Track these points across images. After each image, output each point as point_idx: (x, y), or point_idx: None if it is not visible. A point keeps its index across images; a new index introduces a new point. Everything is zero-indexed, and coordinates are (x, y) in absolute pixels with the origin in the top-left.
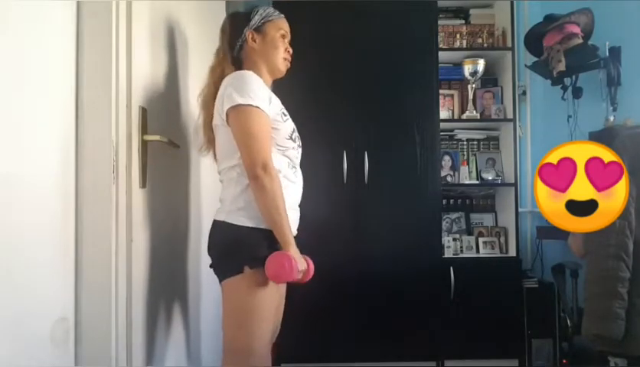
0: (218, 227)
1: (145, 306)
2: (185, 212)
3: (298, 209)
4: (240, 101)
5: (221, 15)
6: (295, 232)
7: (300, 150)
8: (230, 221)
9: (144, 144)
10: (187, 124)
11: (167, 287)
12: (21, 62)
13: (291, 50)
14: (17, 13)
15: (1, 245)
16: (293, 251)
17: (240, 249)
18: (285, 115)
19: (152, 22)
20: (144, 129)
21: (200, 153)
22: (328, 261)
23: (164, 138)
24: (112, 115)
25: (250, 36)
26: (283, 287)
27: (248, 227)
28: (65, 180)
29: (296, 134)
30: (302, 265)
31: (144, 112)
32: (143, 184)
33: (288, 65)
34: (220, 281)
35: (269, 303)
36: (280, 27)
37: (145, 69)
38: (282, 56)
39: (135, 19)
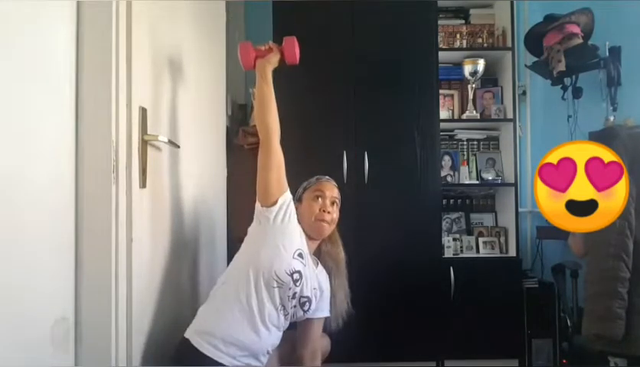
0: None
1: (145, 306)
2: (185, 212)
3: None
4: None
5: (221, 15)
6: None
7: (302, 313)
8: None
9: (144, 144)
10: (187, 124)
11: (167, 286)
12: (21, 62)
13: (329, 211)
14: (17, 13)
15: (1, 244)
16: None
17: None
18: (300, 257)
19: (152, 22)
20: (144, 129)
21: None
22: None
23: (164, 137)
24: (112, 115)
25: (296, 207)
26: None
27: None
28: (65, 180)
29: (299, 291)
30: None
31: (144, 112)
32: (143, 184)
33: (324, 226)
34: None
35: None
36: (315, 191)
37: (145, 69)
38: (314, 218)
39: (135, 19)
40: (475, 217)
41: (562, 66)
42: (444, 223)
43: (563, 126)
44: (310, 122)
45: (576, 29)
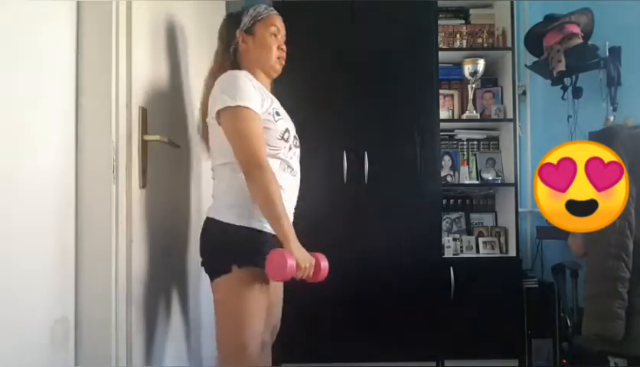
0: (208, 224)
1: (145, 306)
2: (185, 212)
3: (292, 215)
4: (230, 103)
5: (221, 15)
6: None
7: (297, 150)
8: (218, 218)
9: (144, 144)
10: (188, 124)
11: (167, 287)
12: (21, 62)
13: (284, 48)
14: (17, 13)
15: (1, 245)
16: (294, 247)
17: (228, 248)
18: (277, 115)
19: (152, 22)
20: (144, 129)
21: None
22: (327, 260)
23: (164, 137)
24: (112, 115)
25: (241, 38)
26: (280, 287)
27: (236, 225)
28: (65, 180)
29: (291, 134)
30: (304, 262)
31: (144, 112)
32: (143, 184)
33: (283, 63)
34: (211, 281)
35: (261, 303)
36: (271, 25)
37: (145, 69)
38: (274, 56)
39: (135, 19)
40: (475, 217)
41: (562, 66)
42: (444, 223)
43: (563, 126)
44: (310, 122)
45: (576, 29)
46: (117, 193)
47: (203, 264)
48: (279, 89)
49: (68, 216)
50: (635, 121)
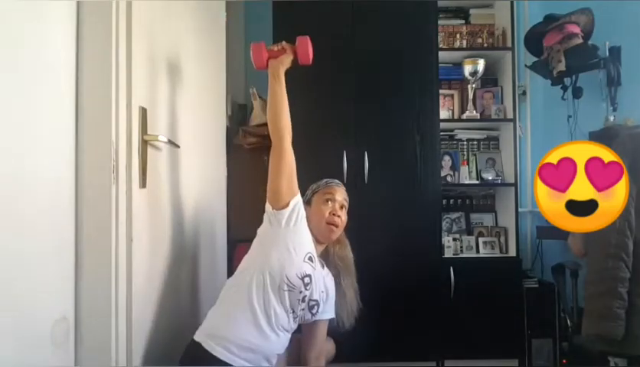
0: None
1: (145, 306)
2: (185, 212)
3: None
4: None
5: (221, 15)
6: None
7: (310, 315)
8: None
9: (144, 144)
10: (187, 124)
11: (167, 286)
12: (21, 62)
13: (340, 215)
14: (17, 13)
15: (2, 245)
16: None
17: None
18: (310, 260)
19: (152, 22)
20: (144, 129)
21: None
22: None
23: (164, 137)
24: (112, 115)
25: (305, 209)
26: None
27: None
28: (65, 180)
29: (308, 295)
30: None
31: (144, 112)
32: (143, 184)
33: (335, 230)
34: None
35: None
36: (326, 193)
37: (145, 69)
38: (325, 221)
39: (135, 19)
40: (475, 217)
41: (562, 66)
42: (444, 223)
43: (563, 126)
44: (310, 122)
45: (576, 29)
46: (117, 193)
47: None
48: None
49: (68, 216)
50: (635, 121)
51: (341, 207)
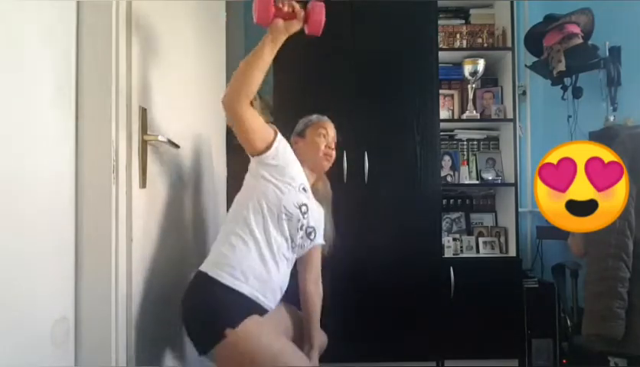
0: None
1: (145, 306)
2: (185, 212)
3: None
4: None
5: (221, 15)
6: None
7: (309, 242)
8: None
9: (144, 144)
10: (187, 124)
11: (167, 287)
12: (21, 62)
13: (332, 147)
14: (17, 13)
15: (1, 245)
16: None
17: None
18: (304, 190)
19: (152, 22)
20: (144, 129)
21: None
22: (327, 260)
23: (164, 137)
24: (112, 115)
25: (294, 141)
26: (283, 316)
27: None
28: (65, 180)
29: (306, 223)
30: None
31: (144, 112)
32: (143, 184)
33: (330, 160)
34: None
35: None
36: (319, 127)
37: (145, 69)
38: (321, 153)
39: (135, 19)
40: (475, 217)
41: (562, 66)
42: (444, 223)
43: (563, 126)
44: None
45: (576, 29)
46: (117, 193)
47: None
48: (280, 88)
49: (68, 216)
50: (635, 121)
51: (333, 141)
